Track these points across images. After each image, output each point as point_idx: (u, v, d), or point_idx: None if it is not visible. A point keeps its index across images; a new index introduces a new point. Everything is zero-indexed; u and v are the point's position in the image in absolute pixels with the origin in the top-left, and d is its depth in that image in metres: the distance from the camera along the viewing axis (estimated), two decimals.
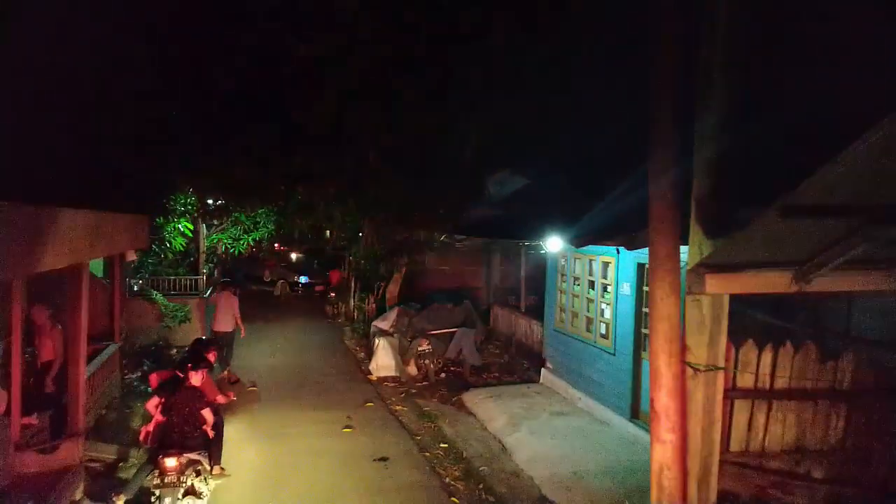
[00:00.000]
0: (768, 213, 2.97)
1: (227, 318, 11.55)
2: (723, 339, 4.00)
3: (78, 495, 6.19)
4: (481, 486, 7.37)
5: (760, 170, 3.85)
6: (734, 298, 4.59)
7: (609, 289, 9.34)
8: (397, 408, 10.39)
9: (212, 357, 7.47)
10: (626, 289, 8.79)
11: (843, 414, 4.43)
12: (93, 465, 6.95)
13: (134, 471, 6.83)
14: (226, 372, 11.25)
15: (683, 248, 4.23)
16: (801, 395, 4.35)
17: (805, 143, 2.87)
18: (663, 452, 4.02)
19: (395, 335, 12.85)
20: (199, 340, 7.86)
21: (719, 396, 4.05)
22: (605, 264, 9.45)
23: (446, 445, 8.70)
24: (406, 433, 9.21)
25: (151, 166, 11.12)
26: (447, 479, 7.57)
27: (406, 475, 7.71)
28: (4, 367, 6.12)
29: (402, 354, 12.49)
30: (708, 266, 3.68)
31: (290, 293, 23.60)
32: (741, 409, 4.29)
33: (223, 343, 11.27)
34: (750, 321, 6.59)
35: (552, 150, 12.83)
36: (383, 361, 12.35)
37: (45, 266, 5.15)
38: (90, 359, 8.40)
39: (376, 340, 12.74)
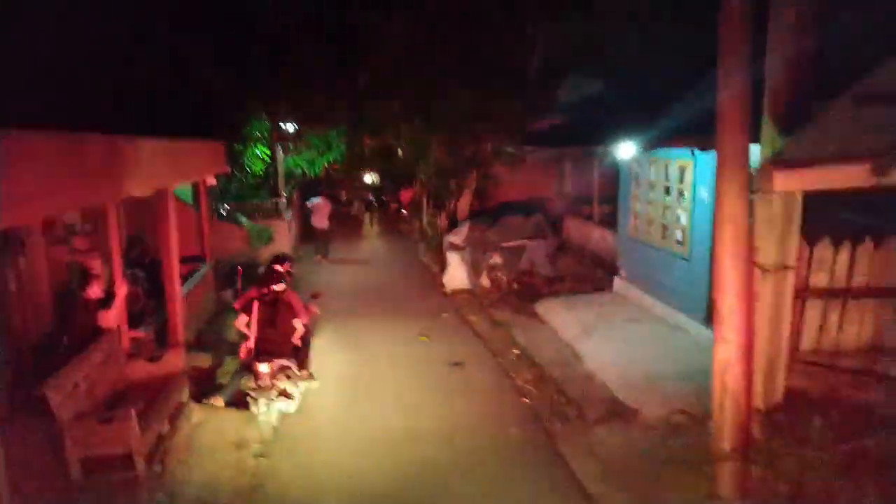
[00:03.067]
0: (842, 102, 2.77)
1: (322, 217, 15.97)
2: (794, 239, 3.85)
3: (184, 398, 6.88)
4: (553, 387, 7.60)
5: (839, 64, 3.55)
6: (817, 197, 4.38)
7: (685, 194, 9.03)
8: (471, 318, 10.70)
9: (285, 268, 7.78)
10: (704, 193, 8.47)
11: None
12: (194, 372, 7.65)
13: (230, 377, 7.48)
14: (319, 257, 15.96)
15: (756, 148, 4.04)
16: (881, 293, 4.18)
17: (886, 37, 2.61)
18: (727, 352, 4.01)
19: (468, 249, 13.04)
20: (274, 257, 8.25)
21: (789, 296, 3.95)
22: (682, 168, 9.09)
23: (519, 352, 8.95)
24: (479, 341, 9.53)
25: (227, 94, 11.46)
26: (520, 382, 7.85)
27: (480, 378, 8.06)
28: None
29: (475, 268, 12.70)
30: (778, 163, 3.50)
31: (366, 212, 24.18)
32: (813, 308, 4.18)
33: (322, 236, 16.21)
34: (835, 220, 6.26)
35: (626, 51, 12.17)
36: (456, 275, 12.63)
37: (133, 192, 5.54)
38: (185, 278, 9.08)
39: (449, 255, 12.99)
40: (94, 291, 6.35)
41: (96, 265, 7.06)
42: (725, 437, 4.19)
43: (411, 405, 7.29)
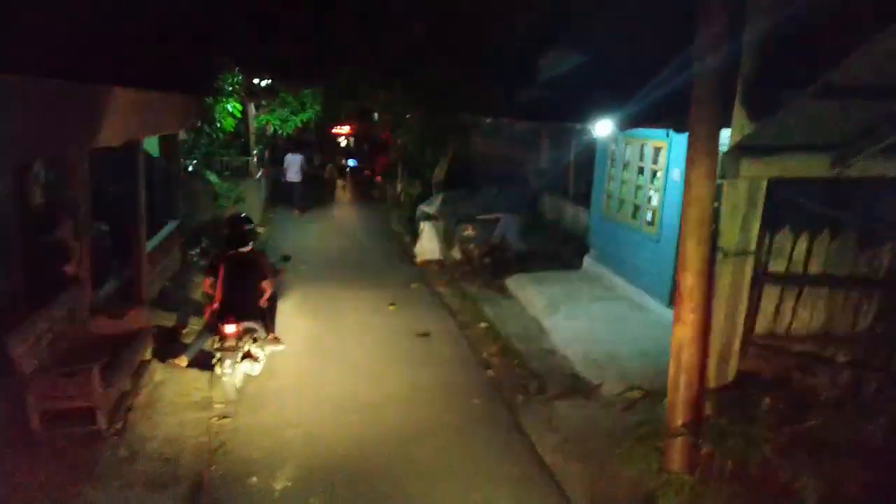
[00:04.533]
0: (806, 93, 2.83)
1: (295, 172, 17.72)
2: (756, 225, 3.95)
3: (147, 356, 6.84)
4: (517, 361, 7.73)
5: (814, 51, 3.61)
6: (785, 186, 4.47)
7: (659, 175, 9.14)
8: (440, 289, 10.76)
9: (245, 228, 7.39)
10: (676, 175, 8.56)
11: (875, 302, 4.40)
12: (158, 331, 7.59)
13: (194, 337, 7.43)
14: (296, 211, 17.59)
15: (727, 133, 4.10)
16: (834, 283, 4.33)
17: (851, 32, 2.65)
18: (684, 332, 4.13)
19: (441, 220, 13.04)
20: (233, 218, 7.75)
21: (747, 280, 4.07)
22: (657, 149, 9.18)
23: (486, 325, 9.05)
24: (448, 313, 9.60)
25: (198, 45, 11.13)
26: (485, 355, 7.97)
27: (446, 349, 8.15)
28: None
29: (447, 239, 12.72)
30: (745, 149, 3.57)
31: (339, 177, 23.92)
32: (770, 293, 4.31)
33: (295, 190, 17.93)
34: (799, 209, 6.41)
35: (610, 25, 12.10)
36: (428, 245, 12.64)
37: (104, 142, 5.43)
38: (151, 235, 8.95)
39: (421, 225, 12.99)
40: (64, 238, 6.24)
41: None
42: (678, 413, 4.34)
43: (376, 373, 7.35)
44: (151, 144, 11.24)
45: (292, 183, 17.88)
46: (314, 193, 19.77)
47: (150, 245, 8.56)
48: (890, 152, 3.32)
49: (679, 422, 4.34)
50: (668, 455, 4.46)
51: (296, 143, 20.79)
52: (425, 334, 8.59)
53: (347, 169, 24.86)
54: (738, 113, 3.90)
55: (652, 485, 4.59)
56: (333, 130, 27.07)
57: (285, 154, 18.56)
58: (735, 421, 4.23)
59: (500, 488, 5.20)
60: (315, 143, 26.65)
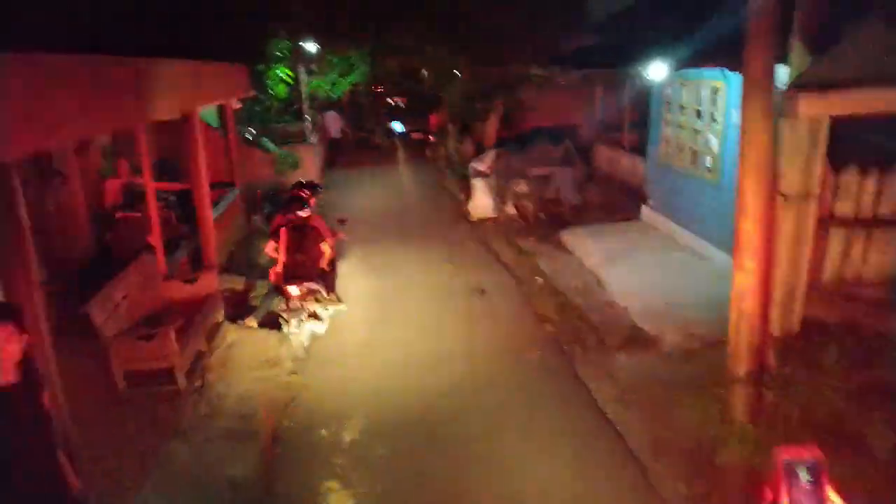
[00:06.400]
0: (873, 20, 2.66)
1: (335, 128, 19.59)
2: (818, 165, 3.79)
3: (220, 318, 7.19)
4: (574, 315, 7.71)
5: None
6: (851, 121, 4.26)
7: (717, 118, 8.78)
8: (495, 246, 10.77)
9: (304, 194, 7.86)
10: (736, 117, 8.20)
11: None
12: (228, 294, 7.95)
13: (261, 299, 7.75)
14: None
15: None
16: None
17: None
18: (744, 280, 4.03)
19: (494, 176, 12.95)
20: (297, 183, 8.38)
21: (811, 224, 3.93)
22: (714, 91, 8.79)
23: (542, 280, 9.03)
24: (503, 268, 9.63)
25: (244, 13, 11.23)
26: (542, 310, 7.99)
27: (502, 305, 8.22)
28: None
29: (501, 195, 12.64)
30: (804, 86, 3.39)
31: (388, 140, 23.85)
32: (837, 237, 4.15)
33: (336, 145, 19.91)
34: (867, 145, 6.08)
35: None
36: (481, 202, 12.59)
37: (160, 115, 5.62)
38: (215, 203, 9.27)
39: (474, 182, 12.94)
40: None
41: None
42: (740, 362, 4.27)
43: (435, 329, 7.51)
44: (211, 115, 11.56)
45: (333, 139, 19.44)
46: (368, 156, 20.13)
47: (215, 212, 8.88)
48: None
49: (742, 371, 4.28)
50: (730, 404, 4.42)
51: (347, 106, 21.13)
52: (482, 291, 8.67)
53: (396, 133, 24.78)
54: (797, 47, 3.70)
55: (714, 433, 4.58)
56: (386, 97, 27.01)
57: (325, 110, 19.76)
58: (801, 369, 4.15)
59: (560, 437, 5.30)
60: (366, 106, 26.69)
